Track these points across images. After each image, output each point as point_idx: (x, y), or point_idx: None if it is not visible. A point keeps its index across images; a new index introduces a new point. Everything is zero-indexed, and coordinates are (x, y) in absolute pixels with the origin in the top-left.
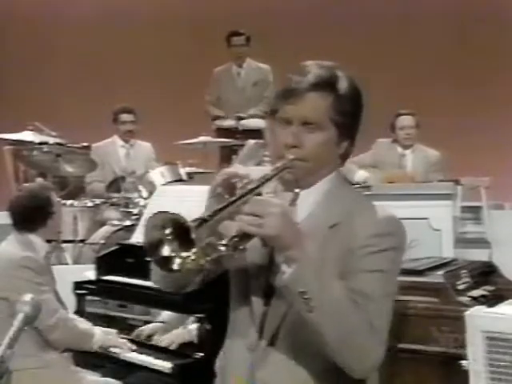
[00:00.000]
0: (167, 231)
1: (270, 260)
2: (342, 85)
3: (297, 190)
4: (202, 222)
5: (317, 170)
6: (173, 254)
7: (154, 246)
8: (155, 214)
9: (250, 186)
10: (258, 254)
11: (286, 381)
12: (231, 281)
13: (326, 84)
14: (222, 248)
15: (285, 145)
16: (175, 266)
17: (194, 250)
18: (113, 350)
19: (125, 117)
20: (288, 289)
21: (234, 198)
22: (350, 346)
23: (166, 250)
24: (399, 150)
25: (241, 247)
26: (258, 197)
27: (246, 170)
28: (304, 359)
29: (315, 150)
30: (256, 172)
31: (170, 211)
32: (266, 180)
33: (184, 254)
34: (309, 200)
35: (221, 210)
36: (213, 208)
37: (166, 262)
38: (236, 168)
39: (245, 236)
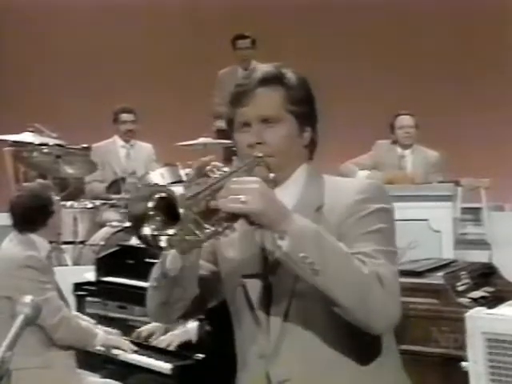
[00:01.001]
0: (151, 204)
1: (261, 258)
2: (289, 76)
3: (271, 175)
4: (188, 197)
5: (285, 164)
6: (156, 233)
7: (139, 220)
8: (141, 185)
9: (225, 173)
10: (248, 256)
11: (303, 370)
12: (228, 298)
13: (273, 77)
14: (210, 227)
15: (248, 145)
16: (162, 243)
17: (180, 225)
18: (114, 351)
19: (125, 116)
20: (289, 258)
21: (214, 180)
22: (365, 303)
23: (149, 228)
24: (399, 151)
25: (228, 227)
26: (235, 178)
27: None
28: (319, 340)
29: (279, 144)
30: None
31: (156, 183)
32: (239, 168)
33: (170, 231)
34: (287, 193)
35: (205, 189)
36: (195, 189)
37: (152, 240)
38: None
39: (230, 216)
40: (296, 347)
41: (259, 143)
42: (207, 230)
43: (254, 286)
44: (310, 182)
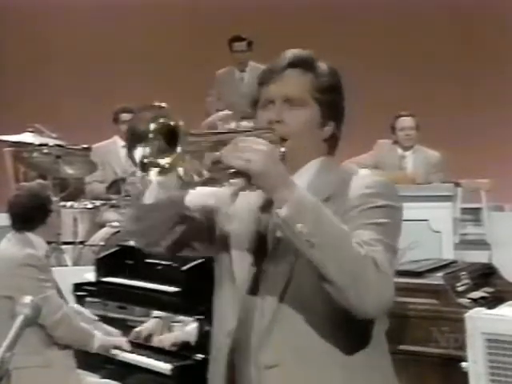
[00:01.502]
0: (154, 127)
1: (259, 238)
2: (320, 64)
3: (282, 149)
4: (193, 134)
5: (299, 149)
6: (146, 160)
7: (137, 138)
8: (148, 106)
9: (237, 128)
10: (246, 229)
11: (293, 356)
12: (216, 265)
13: (304, 62)
14: (205, 172)
15: (268, 122)
16: (152, 174)
17: (174, 155)
18: (113, 351)
19: (125, 116)
20: (286, 226)
21: (224, 131)
22: (358, 282)
23: (147, 147)
24: (400, 151)
25: (225, 177)
26: (245, 137)
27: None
28: (312, 327)
29: (298, 127)
30: None
31: (164, 106)
32: (252, 128)
33: (161, 161)
34: (299, 182)
35: (212, 134)
36: (204, 131)
37: (141, 163)
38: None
39: (230, 172)
40: (287, 334)
41: (278, 122)
42: (203, 175)
43: (249, 268)
44: (322, 173)
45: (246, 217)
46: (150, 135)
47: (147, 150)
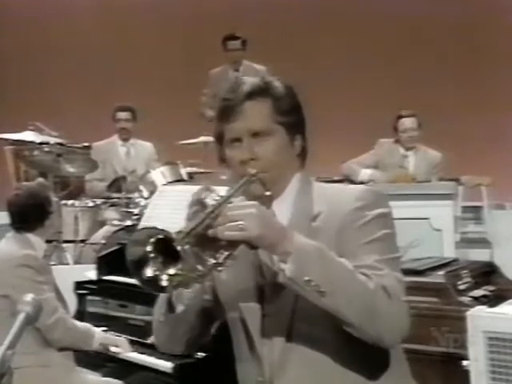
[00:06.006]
0: (149, 248)
1: (258, 278)
2: (276, 86)
3: (267, 193)
4: (185, 234)
5: (279, 177)
6: (158, 273)
7: (139, 264)
8: (138, 230)
9: (221, 199)
10: (245, 277)
11: (308, 382)
12: (228, 319)
13: (260, 90)
14: (211, 260)
15: (241, 162)
16: (164, 283)
17: (180, 264)
18: (113, 349)
19: (120, 114)
20: (293, 282)
21: (209, 210)
22: (374, 318)
23: (150, 270)
24: (401, 150)
25: (229, 256)
26: (231, 204)
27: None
28: (324, 354)
29: (272, 158)
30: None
31: (152, 226)
32: (235, 191)
33: (171, 271)
34: (284, 206)
35: (200, 223)
36: (191, 224)
37: (153, 281)
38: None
39: (230, 244)
40: (300, 364)
41: (252, 159)
42: (208, 263)
43: (252, 314)
44: (303, 192)
45: (240, 262)
46: (151, 255)
47: (153, 268)
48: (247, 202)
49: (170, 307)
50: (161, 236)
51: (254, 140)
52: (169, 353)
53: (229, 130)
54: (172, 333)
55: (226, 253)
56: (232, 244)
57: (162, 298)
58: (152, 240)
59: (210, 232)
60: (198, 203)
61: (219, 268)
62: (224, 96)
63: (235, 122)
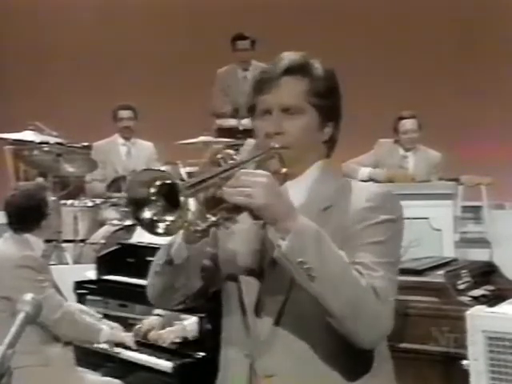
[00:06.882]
0: (153, 190)
1: (260, 249)
2: (316, 67)
3: (284, 170)
4: (190, 185)
5: (301, 157)
6: (155, 218)
7: (139, 204)
8: (143, 170)
9: (237, 161)
10: (247, 247)
11: (290, 367)
12: (222, 288)
13: (299, 67)
14: (211, 217)
15: (266, 134)
16: (160, 230)
17: (179, 213)
18: (115, 349)
19: (122, 113)
20: (287, 260)
21: (222, 168)
22: (356, 314)
23: (149, 212)
24: (401, 151)
25: (230, 219)
26: (245, 169)
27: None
28: (309, 342)
29: (298, 136)
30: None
31: (158, 168)
32: (251, 158)
33: (169, 218)
34: (298, 189)
35: (210, 177)
36: (201, 175)
37: (151, 224)
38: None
39: (233, 208)
40: (286, 346)
41: (277, 133)
42: (208, 220)
43: (249, 286)
44: (322, 180)
45: (246, 233)
46: (152, 198)
47: (153, 210)
48: (260, 171)
49: (170, 260)
50: (167, 181)
51: (284, 115)
52: (161, 307)
53: (261, 102)
54: (167, 285)
55: (228, 215)
56: (236, 208)
57: (162, 250)
58: (157, 183)
59: (218, 192)
60: (213, 163)
61: (218, 227)
62: (264, 69)
63: (268, 94)
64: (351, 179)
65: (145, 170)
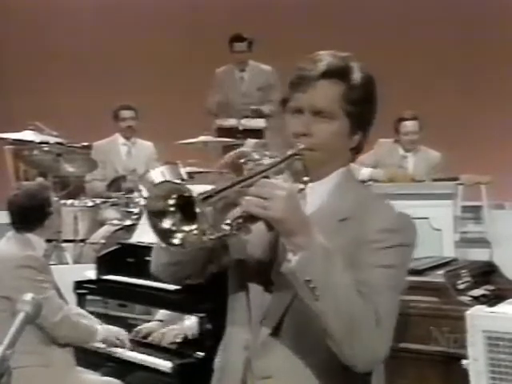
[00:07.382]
0: (171, 202)
1: (272, 252)
2: (355, 74)
3: (305, 178)
4: (207, 196)
5: (326, 161)
6: (174, 228)
7: (157, 215)
8: (160, 182)
9: (258, 169)
10: (260, 245)
11: (287, 371)
12: (230, 276)
13: (338, 72)
14: (226, 227)
15: (294, 133)
16: (176, 241)
17: (196, 224)
18: (114, 349)
19: (124, 113)
20: (294, 277)
21: (241, 178)
22: (354, 338)
23: (167, 222)
24: (401, 151)
25: (245, 228)
26: (266, 179)
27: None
28: (308, 351)
29: (325, 140)
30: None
31: (175, 181)
32: (275, 164)
33: (186, 228)
34: (319, 193)
35: (227, 187)
36: (219, 186)
37: (167, 235)
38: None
39: (249, 217)
40: (285, 350)
41: (305, 135)
42: (222, 229)
43: (256, 289)
44: (344, 187)
45: (260, 238)
46: (171, 209)
47: (171, 220)
48: (281, 183)
49: None
50: (185, 194)
51: (315, 118)
52: (164, 280)
53: (294, 99)
54: (172, 261)
55: (243, 224)
56: (252, 218)
57: None
58: (174, 196)
59: (238, 199)
60: (235, 167)
61: (231, 237)
62: (302, 65)
63: (303, 93)
64: (372, 190)
65: (161, 182)
